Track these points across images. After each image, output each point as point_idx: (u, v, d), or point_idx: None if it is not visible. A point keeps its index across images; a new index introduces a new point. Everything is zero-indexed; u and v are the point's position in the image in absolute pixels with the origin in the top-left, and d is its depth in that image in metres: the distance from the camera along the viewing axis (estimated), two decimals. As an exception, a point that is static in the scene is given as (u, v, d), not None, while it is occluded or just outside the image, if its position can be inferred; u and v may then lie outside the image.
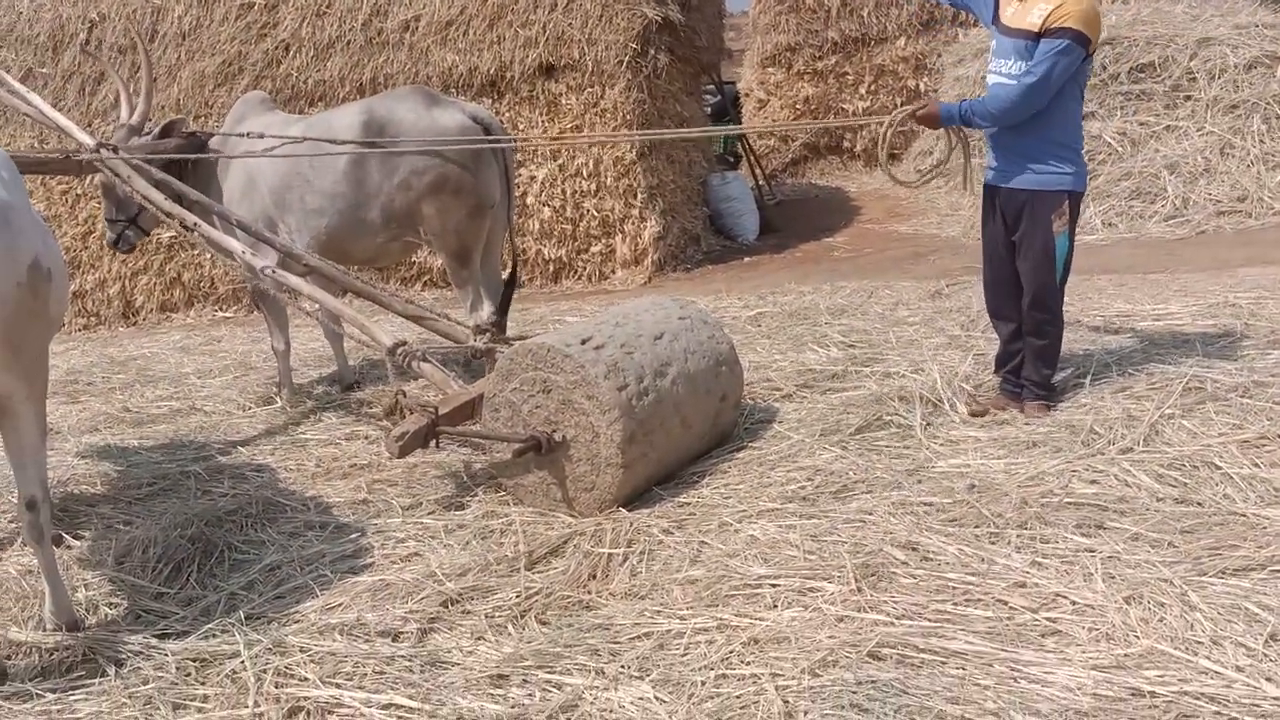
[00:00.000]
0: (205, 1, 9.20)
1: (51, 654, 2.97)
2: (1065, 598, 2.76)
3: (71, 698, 2.72)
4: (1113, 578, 2.82)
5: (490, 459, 3.94)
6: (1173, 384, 4.13)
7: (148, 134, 5.31)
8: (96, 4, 9.54)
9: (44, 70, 9.40)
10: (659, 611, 2.90)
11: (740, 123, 12.95)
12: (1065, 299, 4.25)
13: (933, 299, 6.50)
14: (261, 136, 5.11)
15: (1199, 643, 2.50)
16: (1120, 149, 8.68)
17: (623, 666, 2.64)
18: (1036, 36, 3.89)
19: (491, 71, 8.64)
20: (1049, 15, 3.87)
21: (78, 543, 3.82)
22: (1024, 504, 3.27)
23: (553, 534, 3.51)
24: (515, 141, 6.12)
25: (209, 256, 8.82)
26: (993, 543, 3.08)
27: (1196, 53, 8.92)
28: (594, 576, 3.19)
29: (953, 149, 4.25)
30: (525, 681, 2.63)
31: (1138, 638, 2.54)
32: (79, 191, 9.40)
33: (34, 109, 5.27)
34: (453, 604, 3.09)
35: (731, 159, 12.65)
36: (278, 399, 5.62)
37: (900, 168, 13.11)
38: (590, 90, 8.64)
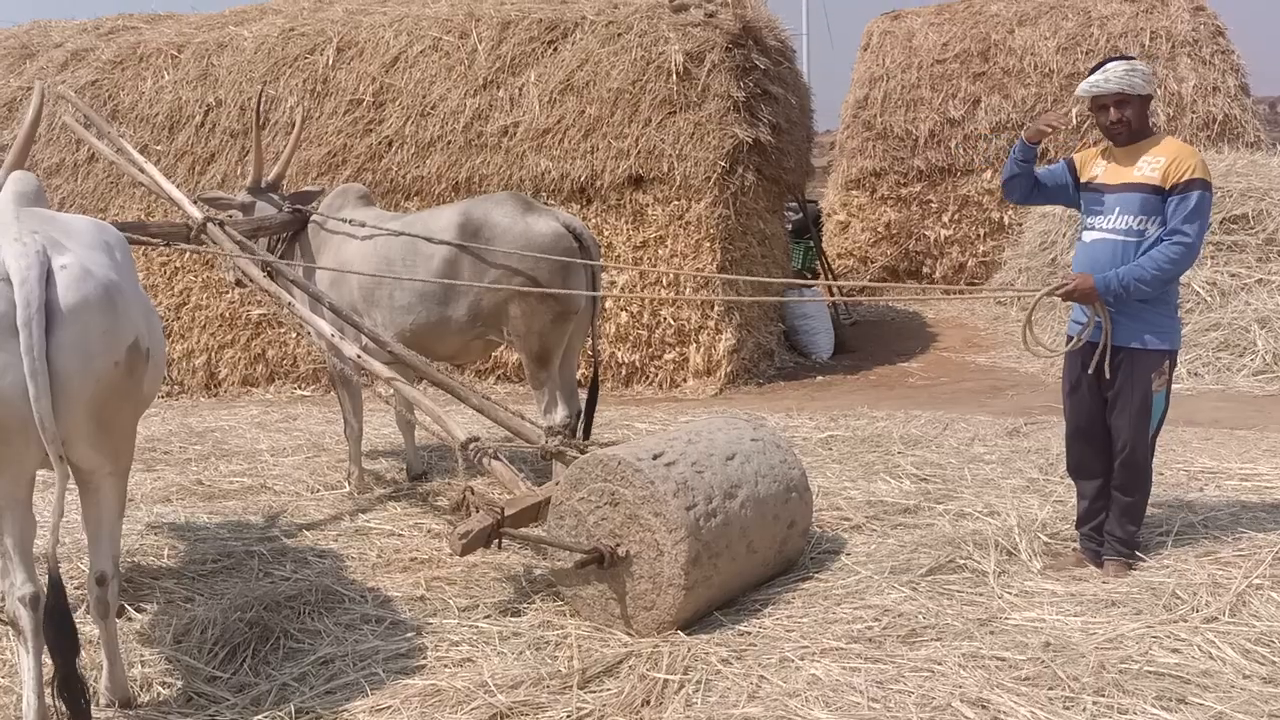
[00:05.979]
0: (317, 95, 9.64)
1: (102, 730, 2.98)
2: (1144, 777, 2.61)
3: (117, 779, 2.72)
4: (1196, 760, 2.67)
5: (551, 566, 3.91)
6: (1261, 552, 3.97)
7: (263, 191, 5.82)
8: (214, 89, 10.04)
9: (158, 148, 9.87)
10: (713, 749, 2.81)
11: (820, 240, 12.98)
12: (1150, 451, 4.11)
13: (1010, 437, 6.37)
14: (364, 225, 5.28)
15: (1290, 843, 2.34)
16: (1209, 299, 8.52)
17: (673, 805, 2.55)
18: (1160, 190, 3.81)
19: (582, 179, 8.85)
20: (1169, 168, 3.80)
21: (139, 615, 3.85)
22: (1101, 668, 3.12)
23: (608, 652, 3.44)
24: (604, 265, 6.25)
25: (293, 335, 9.07)
26: (1067, 708, 2.94)
27: (1294, 208, 8.80)
28: (647, 703, 3.11)
29: (1095, 321, 3.91)
30: (571, 811, 2.55)
31: (1222, 831, 2.39)
32: (177, 264, 9.77)
33: (149, 178, 5.54)
34: (502, 719, 3.03)
35: (809, 276, 12.69)
36: (346, 483, 5.68)
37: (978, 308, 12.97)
38: (676, 203, 8.79)
